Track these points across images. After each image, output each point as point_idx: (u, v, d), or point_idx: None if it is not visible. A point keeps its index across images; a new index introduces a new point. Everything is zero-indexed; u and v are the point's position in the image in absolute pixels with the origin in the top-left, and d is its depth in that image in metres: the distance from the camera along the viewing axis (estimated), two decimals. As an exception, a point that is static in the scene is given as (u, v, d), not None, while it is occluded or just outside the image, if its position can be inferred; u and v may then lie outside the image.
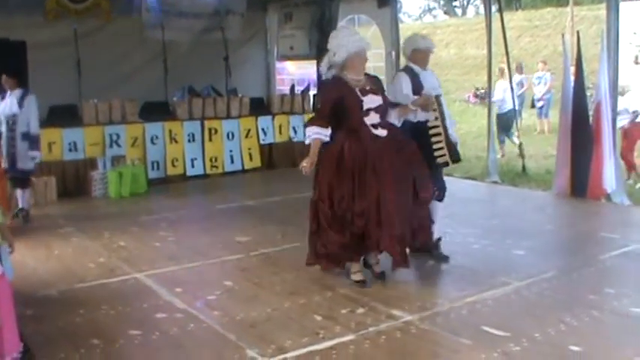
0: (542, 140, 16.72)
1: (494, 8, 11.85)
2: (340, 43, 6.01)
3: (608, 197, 9.66)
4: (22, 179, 9.12)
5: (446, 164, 6.74)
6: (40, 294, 6.16)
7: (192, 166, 12.13)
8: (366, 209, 5.85)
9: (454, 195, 10.90)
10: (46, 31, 12.86)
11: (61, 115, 11.14)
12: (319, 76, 14.12)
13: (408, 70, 6.77)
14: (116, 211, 9.86)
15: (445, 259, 6.88)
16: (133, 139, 11.52)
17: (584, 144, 9.65)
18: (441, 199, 6.83)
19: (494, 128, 12.73)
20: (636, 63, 18.11)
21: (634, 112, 11.76)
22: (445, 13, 59.22)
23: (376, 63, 13.10)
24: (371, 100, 6.04)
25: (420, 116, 6.52)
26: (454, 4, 59.50)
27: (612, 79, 9.61)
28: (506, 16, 18.70)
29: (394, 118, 6.32)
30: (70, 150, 10.96)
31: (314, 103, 5.77)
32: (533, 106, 19.70)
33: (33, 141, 8.97)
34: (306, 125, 6.38)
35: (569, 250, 7.46)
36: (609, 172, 9.58)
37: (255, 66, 16.41)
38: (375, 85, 6.21)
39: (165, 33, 13.52)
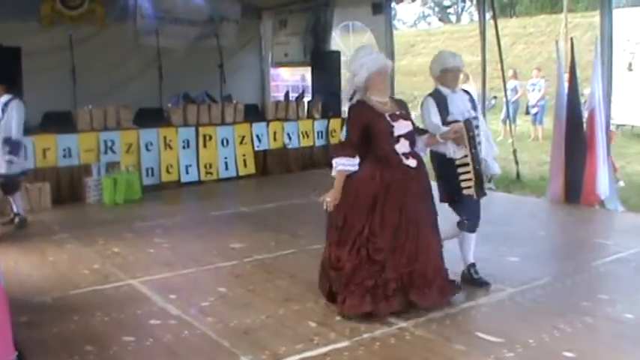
0: (536, 147, 16.75)
1: (488, 15, 11.91)
2: (360, 62, 5.60)
3: (601, 204, 9.69)
4: (5, 184, 9.08)
5: (472, 197, 6.18)
6: (35, 300, 6.14)
7: (187, 172, 12.12)
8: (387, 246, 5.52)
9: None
10: (41, 37, 12.88)
11: (56, 122, 11.11)
12: (313, 82, 14.22)
13: (435, 94, 6.25)
14: (110, 217, 9.84)
15: (485, 284, 6.34)
16: (128, 146, 11.50)
17: (578, 151, 9.68)
18: (472, 230, 6.33)
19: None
20: (630, 70, 18.16)
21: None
22: (439, 20, 59.43)
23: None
24: (402, 126, 5.64)
25: (450, 150, 6.08)
26: (448, 11, 59.73)
27: (606, 85, 9.66)
28: (501, 22, 18.76)
29: (420, 147, 5.95)
30: (65, 156, 10.93)
31: (346, 130, 5.37)
32: (527, 112, 19.76)
33: (12, 146, 8.85)
34: (332, 155, 5.84)
35: (562, 256, 7.48)
36: (603, 178, 9.60)
37: (250, 72, 16.45)
38: (403, 109, 5.82)
39: (159, 40, 13.55)
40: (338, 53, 14.75)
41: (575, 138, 9.74)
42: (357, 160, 5.60)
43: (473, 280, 6.32)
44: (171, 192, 11.70)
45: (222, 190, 12.04)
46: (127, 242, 8.22)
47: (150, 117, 12.14)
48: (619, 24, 13.81)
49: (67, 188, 10.97)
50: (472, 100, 6.37)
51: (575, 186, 9.76)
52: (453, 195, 6.20)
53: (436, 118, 6.08)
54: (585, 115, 9.98)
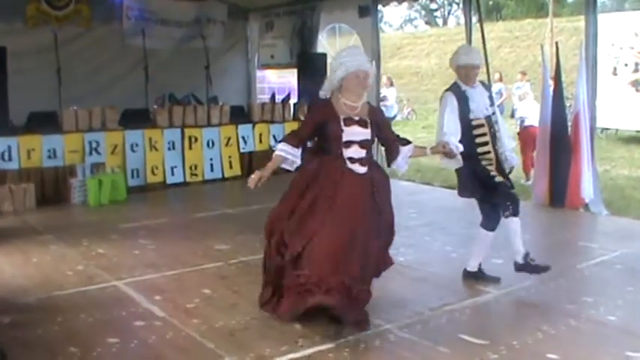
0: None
1: (474, 19, 11.93)
2: (340, 61, 5.49)
3: (586, 207, 9.73)
4: None
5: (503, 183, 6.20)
6: (18, 301, 6.11)
7: (172, 174, 12.09)
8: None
9: (433, 204, 10.98)
10: (27, 38, 12.82)
11: (41, 122, 11.05)
12: (299, 85, 14.22)
13: (454, 89, 6.25)
14: (95, 218, 9.81)
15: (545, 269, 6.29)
16: (113, 147, 11.46)
17: (563, 154, 9.72)
18: (516, 212, 6.19)
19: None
20: (614, 74, 18.27)
21: (520, 118, 12.91)
22: (426, 23, 59.65)
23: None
24: (354, 133, 5.48)
25: (443, 161, 6.14)
26: (435, 14, 59.92)
27: (591, 90, 9.71)
28: (487, 26, 18.81)
29: (402, 160, 5.76)
30: (50, 157, 10.88)
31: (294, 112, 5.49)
32: (512, 116, 19.82)
33: None
34: (281, 139, 5.82)
35: (547, 259, 7.45)
36: (587, 182, 9.65)
37: (236, 74, 16.45)
38: (370, 116, 5.58)
39: (145, 41, 13.50)
40: (324, 56, 14.74)
41: (560, 141, 9.78)
42: (298, 151, 5.58)
43: (532, 268, 6.22)
44: (157, 193, 11.68)
45: (208, 192, 12.02)
46: (111, 243, 8.19)
47: (135, 118, 12.10)
48: (604, 29, 13.88)
49: (52, 189, 10.93)
50: (491, 96, 6.39)
51: (559, 189, 9.81)
52: (485, 186, 6.18)
53: (447, 122, 6.05)
54: (570, 118, 10.03)
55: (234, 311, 5.77)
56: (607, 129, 19.11)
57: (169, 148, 12.08)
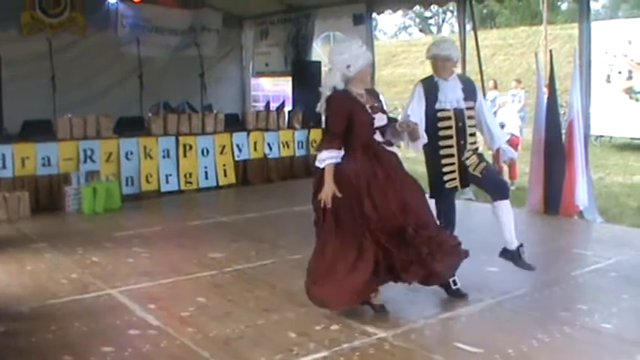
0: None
1: (468, 26, 11.96)
2: (356, 54, 5.63)
3: (580, 214, 9.74)
4: None
5: (455, 189, 6.34)
6: (12, 310, 6.09)
7: (167, 182, 12.08)
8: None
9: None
10: (21, 46, 12.86)
11: (35, 130, 11.04)
12: (294, 93, 14.24)
13: (427, 80, 6.30)
14: (90, 226, 9.79)
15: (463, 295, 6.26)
16: (108, 155, 11.44)
17: (557, 161, 9.73)
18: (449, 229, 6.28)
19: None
20: (608, 82, 18.34)
21: (501, 123, 12.20)
22: (420, 30, 59.71)
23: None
24: (380, 119, 5.73)
25: (405, 141, 6.00)
26: (429, 22, 59.99)
27: (584, 97, 9.73)
28: (481, 34, 18.86)
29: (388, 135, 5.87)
30: (44, 165, 10.86)
31: (326, 121, 5.27)
32: (506, 123, 19.84)
33: None
34: (319, 147, 5.77)
35: (541, 266, 7.47)
36: (582, 189, 9.66)
37: (231, 82, 16.48)
38: (378, 101, 5.89)
39: (140, 49, 13.53)
40: (319, 63, 14.78)
41: (554, 149, 9.79)
42: (342, 152, 5.61)
43: (450, 291, 6.28)
44: (151, 201, 11.65)
45: (202, 200, 12.01)
46: (106, 252, 8.17)
47: (130, 126, 12.10)
48: (597, 36, 13.94)
49: (46, 197, 10.91)
50: (469, 90, 6.29)
51: (554, 197, 9.81)
52: (432, 189, 6.28)
53: (412, 107, 6.15)
54: (564, 126, 10.05)
55: (229, 320, 5.76)
56: (601, 136, 19.18)
57: (164, 156, 12.06)
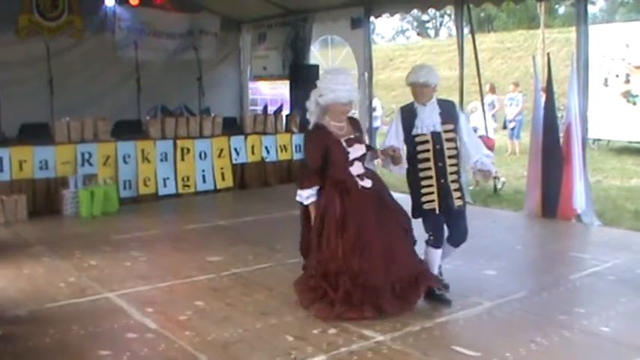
0: (513, 161, 16.87)
1: (466, 30, 11.96)
2: (330, 87, 5.84)
3: (578, 218, 9.75)
4: None
5: (434, 211, 6.23)
6: (10, 313, 6.09)
7: (165, 185, 12.07)
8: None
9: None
10: (19, 49, 12.86)
11: (33, 133, 11.04)
12: (292, 96, 14.26)
13: (406, 107, 6.41)
14: (87, 230, 9.79)
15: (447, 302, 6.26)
16: (105, 158, 11.44)
17: (555, 165, 9.74)
18: (436, 245, 6.30)
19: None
20: (605, 85, 18.36)
21: (474, 127, 12.68)
22: (418, 34, 59.85)
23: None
24: (356, 150, 5.94)
25: (389, 166, 6.27)
26: (427, 25, 60.13)
27: (582, 101, 9.74)
28: (479, 37, 18.88)
29: (367, 161, 6.20)
30: (42, 168, 10.85)
31: (305, 155, 5.31)
32: (504, 127, 19.88)
33: None
34: (299, 185, 6.06)
35: (540, 270, 7.50)
36: (579, 192, 9.66)
37: (229, 86, 16.48)
38: (358, 130, 6.11)
39: (138, 52, 13.52)
40: (317, 67, 14.78)
41: (552, 152, 9.80)
42: (319, 186, 5.94)
43: (434, 296, 6.26)
44: (149, 205, 11.65)
45: (200, 204, 12.01)
46: (103, 255, 8.17)
47: (128, 129, 12.09)
48: (595, 40, 13.95)
49: (44, 200, 10.90)
50: (447, 113, 6.32)
51: (552, 200, 9.82)
52: (414, 210, 6.32)
53: (390, 137, 6.28)
54: (562, 129, 10.06)
55: (227, 323, 5.75)
56: (599, 140, 19.19)
57: (162, 160, 12.06)
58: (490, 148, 11.13)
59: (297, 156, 13.60)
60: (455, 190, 6.24)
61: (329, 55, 23.63)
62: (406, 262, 5.95)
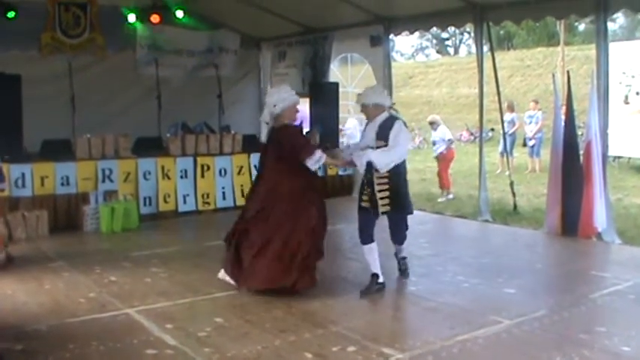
0: (533, 179, 16.79)
1: (485, 48, 11.98)
2: (281, 97, 7.16)
3: (599, 236, 9.69)
4: None
5: (366, 210, 7.23)
6: (30, 328, 6.12)
7: (185, 202, 12.13)
8: None
9: (444, 233, 10.97)
10: (41, 66, 12.98)
11: (55, 150, 11.15)
12: (311, 113, 14.29)
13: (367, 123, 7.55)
14: (108, 246, 9.84)
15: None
16: (126, 175, 11.51)
17: (575, 183, 9.70)
18: (362, 241, 7.29)
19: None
20: (626, 102, 18.26)
21: (449, 140, 14.78)
22: (437, 52, 59.82)
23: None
24: None
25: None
26: (446, 43, 60.10)
27: (602, 118, 9.71)
28: (498, 55, 18.86)
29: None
30: (63, 184, 10.93)
31: (292, 141, 5.90)
32: (524, 144, 19.81)
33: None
34: (308, 153, 6.97)
35: (560, 288, 7.46)
36: (600, 210, 9.62)
37: (249, 103, 16.51)
38: None
39: (158, 69, 13.60)
40: (336, 84, 14.82)
41: (572, 170, 9.77)
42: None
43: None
44: (169, 221, 11.70)
45: (220, 220, 11.98)
46: (123, 271, 8.21)
47: (148, 146, 12.17)
48: (615, 57, 13.90)
49: (65, 216, 10.98)
50: (383, 130, 7.16)
51: (572, 218, 9.78)
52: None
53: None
54: (582, 147, 10.01)
55: (246, 340, 5.76)
56: (619, 157, 19.07)
57: (182, 177, 12.12)
58: (450, 159, 14.38)
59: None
60: (381, 198, 7.12)
61: (348, 72, 23.67)
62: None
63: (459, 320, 6.20)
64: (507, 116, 17.37)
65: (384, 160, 7.00)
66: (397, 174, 7.18)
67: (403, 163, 7.29)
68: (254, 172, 12.91)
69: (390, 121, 7.20)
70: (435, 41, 60.43)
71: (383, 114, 7.29)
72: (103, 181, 11.24)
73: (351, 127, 20.83)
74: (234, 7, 14.06)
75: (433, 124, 14.88)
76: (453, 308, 6.59)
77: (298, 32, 15.15)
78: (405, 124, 7.34)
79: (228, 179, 12.68)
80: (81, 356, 5.46)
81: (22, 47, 12.75)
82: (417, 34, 13.53)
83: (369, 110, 7.32)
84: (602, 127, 9.72)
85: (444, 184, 14.50)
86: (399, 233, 7.52)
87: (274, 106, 7.14)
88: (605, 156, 9.86)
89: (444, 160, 14.67)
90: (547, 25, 42.05)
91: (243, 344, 5.66)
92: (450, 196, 14.34)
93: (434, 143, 14.93)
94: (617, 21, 42.48)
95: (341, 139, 16.18)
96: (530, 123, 18.72)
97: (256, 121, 16.38)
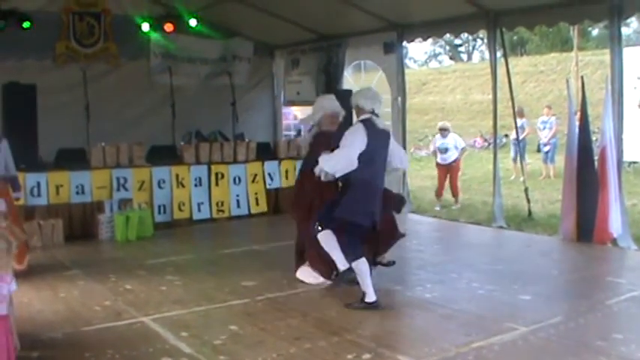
0: (547, 185, 16.73)
1: (499, 54, 11.93)
2: (320, 105, 7.95)
3: (614, 242, 9.65)
4: None
5: None
6: (46, 336, 6.14)
7: (199, 210, 12.16)
8: None
9: (458, 240, 10.95)
10: (56, 75, 13.06)
11: (69, 158, 11.20)
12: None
13: None
14: (122, 254, 9.87)
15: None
16: (140, 183, 11.56)
17: (590, 188, 9.66)
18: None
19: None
20: (641, 107, 18.16)
21: (462, 148, 14.80)
22: (451, 58, 59.68)
23: (383, 109, 13.17)
24: None
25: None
26: (459, 49, 59.95)
27: (617, 123, 9.67)
28: (512, 61, 18.81)
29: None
30: (78, 193, 10.99)
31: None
32: (538, 150, 19.74)
33: (16, 183, 8.98)
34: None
35: (575, 295, 7.43)
36: (615, 216, 9.58)
37: (262, 111, 16.54)
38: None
39: (172, 78, 13.63)
40: (350, 92, 14.76)
41: (587, 176, 9.73)
42: None
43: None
44: (183, 229, 11.73)
45: (234, 228, 12.06)
46: (139, 279, 8.23)
47: (162, 155, 12.21)
48: (629, 62, 13.86)
49: (80, 225, 11.03)
50: (337, 139, 7.05)
51: (587, 224, 9.73)
52: None
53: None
54: (597, 152, 9.97)
55: (261, 348, 5.76)
56: (634, 162, 18.97)
57: (196, 185, 12.16)
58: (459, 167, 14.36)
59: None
60: None
61: (362, 79, 23.63)
62: None
63: (475, 327, 6.18)
64: (517, 122, 17.30)
65: (327, 162, 6.83)
66: (352, 184, 6.85)
67: (369, 172, 6.86)
68: (268, 180, 12.95)
69: (357, 123, 7.02)
70: (448, 48, 60.34)
71: (363, 116, 7.07)
72: (118, 189, 11.29)
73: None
74: (248, 15, 14.09)
75: (444, 131, 14.72)
76: (469, 315, 6.57)
77: (311, 39, 15.16)
78: (371, 126, 6.90)
79: (242, 187, 12.70)
80: (97, 364, 5.48)
81: (37, 57, 12.84)
82: (430, 40, 13.58)
83: (356, 111, 7.30)
84: (617, 132, 9.68)
85: (454, 193, 14.39)
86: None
87: (314, 113, 7.95)
88: (620, 161, 9.83)
89: (456, 168, 14.59)
90: (560, 31, 41.85)
91: (258, 352, 5.65)
92: (458, 205, 14.21)
93: (444, 150, 14.52)
94: (631, 25, 42.28)
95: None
96: (544, 129, 18.65)
97: (270, 129, 16.46)
